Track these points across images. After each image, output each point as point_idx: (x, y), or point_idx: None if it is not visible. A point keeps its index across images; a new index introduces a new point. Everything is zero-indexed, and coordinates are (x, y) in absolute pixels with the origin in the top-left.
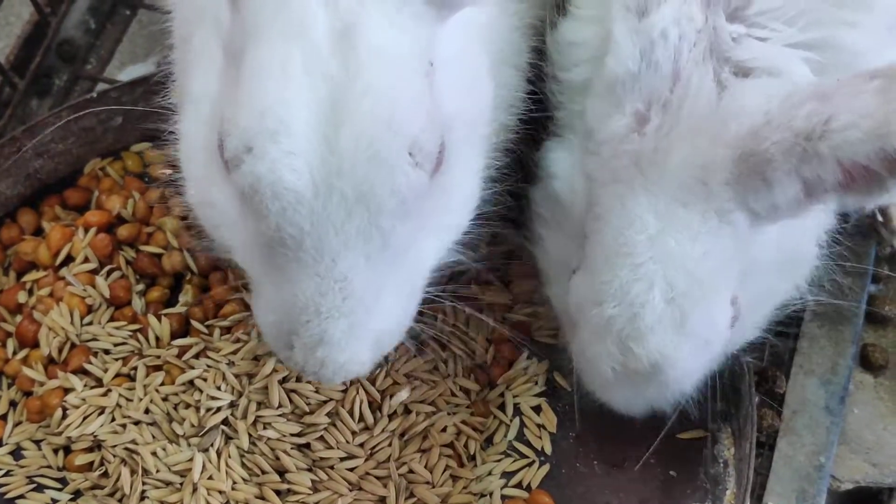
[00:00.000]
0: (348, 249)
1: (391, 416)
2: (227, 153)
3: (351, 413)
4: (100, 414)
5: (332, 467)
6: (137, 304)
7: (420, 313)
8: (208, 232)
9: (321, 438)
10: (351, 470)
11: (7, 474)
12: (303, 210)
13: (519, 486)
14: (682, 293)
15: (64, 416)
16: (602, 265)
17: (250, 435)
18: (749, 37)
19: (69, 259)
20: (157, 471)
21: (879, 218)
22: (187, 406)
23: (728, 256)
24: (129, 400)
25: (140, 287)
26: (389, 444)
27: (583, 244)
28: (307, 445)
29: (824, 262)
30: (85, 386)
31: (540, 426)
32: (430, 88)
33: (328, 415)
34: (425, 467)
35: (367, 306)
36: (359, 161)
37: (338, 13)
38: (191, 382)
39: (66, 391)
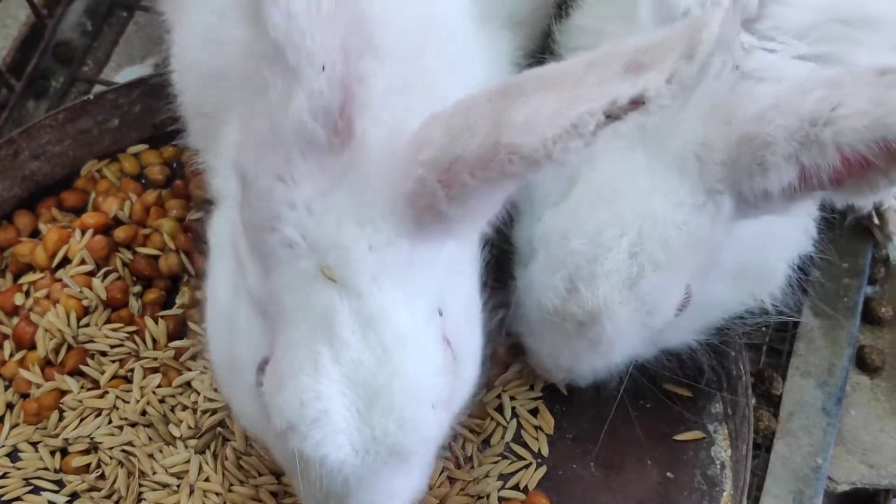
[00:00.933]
0: (384, 481)
1: None
2: (273, 425)
3: None
4: (96, 416)
5: None
6: (134, 305)
7: None
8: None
9: None
10: None
11: (4, 476)
12: (346, 469)
13: (516, 487)
14: (648, 252)
15: (61, 418)
16: (584, 204)
17: (246, 437)
18: (760, 48)
19: (66, 261)
20: (154, 473)
21: (875, 220)
22: (184, 408)
23: (701, 238)
24: (125, 402)
25: (137, 289)
26: None
27: (566, 185)
28: None
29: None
30: (82, 388)
31: (537, 428)
32: (443, 338)
33: None
34: None
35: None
36: (390, 429)
37: (360, 302)
38: (188, 384)
39: (63, 393)
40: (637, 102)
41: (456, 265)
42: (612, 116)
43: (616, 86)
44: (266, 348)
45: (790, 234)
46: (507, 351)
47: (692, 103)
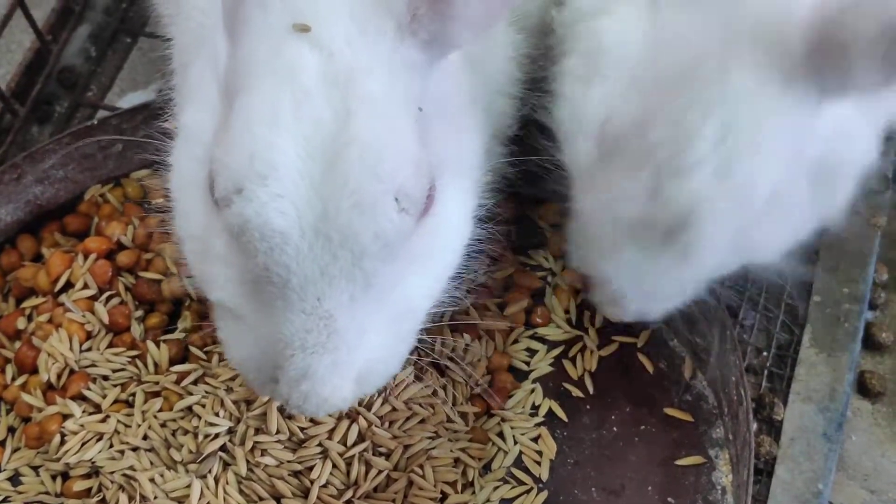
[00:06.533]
0: (333, 289)
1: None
2: (218, 193)
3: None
4: (98, 440)
5: (330, 495)
6: (136, 330)
7: (419, 339)
8: (190, 266)
9: (318, 465)
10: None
11: (5, 500)
12: (289, 251)
13: None
14: (735, 137)
15: (62, 443)
16: (659, 87)
17: (248, 461)
18: None
19: (69, 285)
20: (155, 497)
21: None
22: (185, 432)
23: (785, 121)
24: (127, 426)
25: (139, 313)
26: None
27: (626, 91)
28: (304, 472)
29: None
30: (83, 412)
31: (539, 453)
32: (419, 135)
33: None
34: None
35: (350, 343)
36: (344, 206)
37: (329, 59)
38: (189, 409)
39: (65, 417)
40: None
41: (452, 109)
42: None
43: None
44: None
45: (864, 134)
46: (508, 378)
47: None
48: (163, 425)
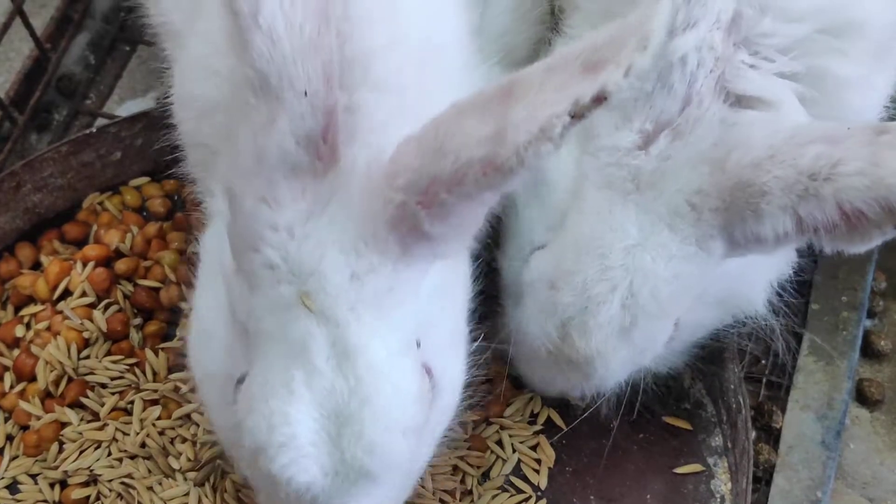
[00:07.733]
0: (354, 499)
1: None
2: (244, 449)
3: None
4: (96, 448)
5: None
6: (135, 337)
7: None
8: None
9: None
10: None
11: None
12: (314, 489)
13: None
14: (640, 304)
15: (60, 450)
16: (572, 256)
17: None
18: (748, 66)
19: (67, 293)
20: None
21: None
22: (183, 440)
23: (692, 283)
24: (125, 434)
25: (137, 321)
26: None
27: (555, 226)
28: None
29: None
30: (81, 420)
31: (537, 461)
32: (422, 366)
33: None
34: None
35: None
36: (358, 454)
37: (336, 333)
38: (187, 416)
39: (63, 425)
40: (599, 99)
41: (441, 291)
42: (577, 116)
43: (577, 86)
44: (245, 366)
45: (771, 262)
46: (507, 386)
47: (685, 152)
48: (161, 433)
